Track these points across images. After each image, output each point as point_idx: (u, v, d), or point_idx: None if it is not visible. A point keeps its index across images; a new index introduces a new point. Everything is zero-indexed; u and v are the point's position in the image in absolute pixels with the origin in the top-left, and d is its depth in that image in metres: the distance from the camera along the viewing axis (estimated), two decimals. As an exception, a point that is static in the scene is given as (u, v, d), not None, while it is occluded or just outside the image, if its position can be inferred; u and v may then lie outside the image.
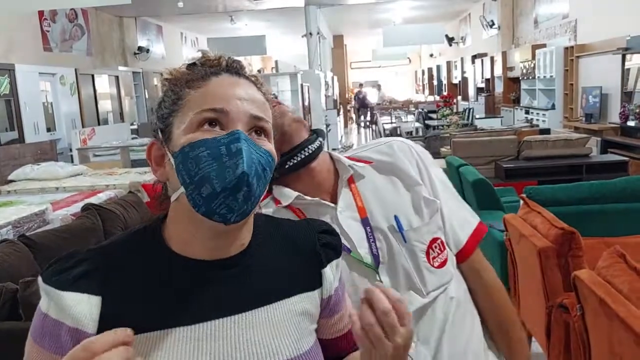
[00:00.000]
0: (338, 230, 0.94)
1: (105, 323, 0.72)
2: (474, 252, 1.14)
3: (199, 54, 0.81)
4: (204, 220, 0.72)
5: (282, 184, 1.08)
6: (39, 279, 0.74)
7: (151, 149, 0.80)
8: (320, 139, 1.10)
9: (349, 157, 1.13)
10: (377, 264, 1.03)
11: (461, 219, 1.15)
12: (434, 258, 1.06)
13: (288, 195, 1.05)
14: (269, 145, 0.77)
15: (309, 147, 1.06)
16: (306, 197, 1.05)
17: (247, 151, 0.71)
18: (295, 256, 0.84)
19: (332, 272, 0.86)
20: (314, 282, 0.84)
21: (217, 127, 0.73)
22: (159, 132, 0.78)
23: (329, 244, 0.87)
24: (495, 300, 1.14)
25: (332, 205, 1.06)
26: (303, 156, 1.05)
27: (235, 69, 0.80)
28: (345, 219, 1.04)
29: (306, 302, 0.82)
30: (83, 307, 0.72)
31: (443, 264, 1.07)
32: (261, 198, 0.76)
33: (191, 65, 0.80)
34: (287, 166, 1.05)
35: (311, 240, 0.86)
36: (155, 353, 0.72)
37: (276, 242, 0.84)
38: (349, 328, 0.89)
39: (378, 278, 1.02)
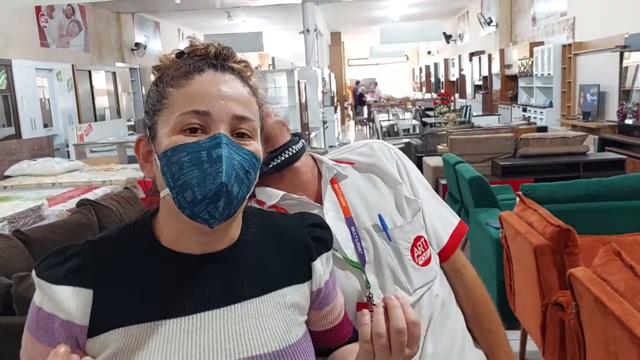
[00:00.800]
0: None
1: (97, 315, 0.74)
2: (455, 251, 1.15)
3: (188, 43, 0.81)
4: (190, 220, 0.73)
5: (263, 184, 1.07)
6: (33, 272, 0.75)
7: (139, 144, 0.80)
8: (303, 141, 1.11)
9: (330, 159, 1.13)
10: (363, 263, 1.04)
11: (442, 218, 1.16)
12: (418, 256, 1.07)
13: (274, 194, 1.04)
14: (254, 145, 0.77)
15: (292, 147, 1.07)
16: (293, 195, 1.04)
17: (227, 157, 0.71)
18: (286, 249, 0.85)
19: (322, 265, 0.87)
20: (304, 274, 0.85)
21: (200, 130, 0.73)
22: (147, 129, 0.78)
23: (319, 237, 0.88)
24: (475, 297, 1.15)
25: (318, 205, 1.06)
26: (287, 156, 1.05)
27: (223, 59, 0.79)
28: (331, 219, 1.03)
29: (295, 294, 0.83)
30: (75, 300, 0.73)
31: (427, 262, 1.08)
32: (246, 199, 0.76)
33: (180, 54, 0.80)
34: (270, 165, 1.04)
35: (302, 233, 0.86)
36: (145, 345, 0.73)
37: (266, 235, 0.84)
38: (340, 321, 0.91)
39: (365, 277, 1.03)
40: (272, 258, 0.83)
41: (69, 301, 0.73)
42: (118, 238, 0.80)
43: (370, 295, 1.02)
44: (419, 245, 1.08)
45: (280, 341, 0.78)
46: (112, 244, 0.79)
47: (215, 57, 0.79)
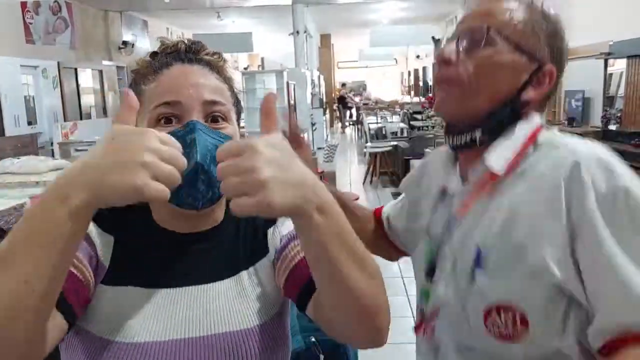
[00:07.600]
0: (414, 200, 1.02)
1: (116, 264, 0.78)
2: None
3: (159, 43, 0.86)
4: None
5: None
6: None
7: None
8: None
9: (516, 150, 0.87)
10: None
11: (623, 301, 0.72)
12: (496, 326, 0.79)
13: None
14: (229, 129, 0.79)
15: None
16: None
17: (201, 140, 0.73)
18: (255, 227, 0.87)
19: (274, 230, 0.87)
20: (265, 247, 0.87)
21: (175, 119, 0.77)
22: None
23: None
24: None
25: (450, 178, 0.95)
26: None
27: (192, 52, 0.83)
28: (439, 202, 0.96)
29: (263, 270, 0.85)
30: (100, 238, 0.78)
31: (509, 338, 0.78)
32: None
33: (153, 54, 0.84)
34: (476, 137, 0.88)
35: None
36: (141, 308, 0.77)
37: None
38: (295, 262, 0.82)
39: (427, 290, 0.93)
40: (248, 238, 0.86)
41: (96, 238, 0.77)
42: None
43: (422, 309, 0.95)
44: (503, 314, 0.78)
45: (261, 316, 0.81)
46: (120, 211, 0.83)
47: (186, 52, 0.83)
